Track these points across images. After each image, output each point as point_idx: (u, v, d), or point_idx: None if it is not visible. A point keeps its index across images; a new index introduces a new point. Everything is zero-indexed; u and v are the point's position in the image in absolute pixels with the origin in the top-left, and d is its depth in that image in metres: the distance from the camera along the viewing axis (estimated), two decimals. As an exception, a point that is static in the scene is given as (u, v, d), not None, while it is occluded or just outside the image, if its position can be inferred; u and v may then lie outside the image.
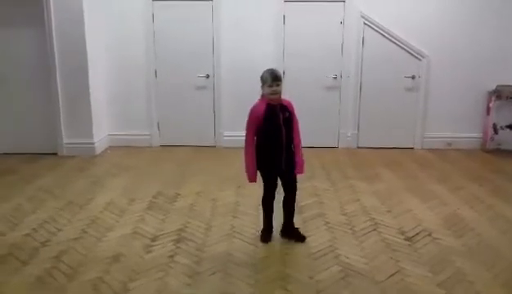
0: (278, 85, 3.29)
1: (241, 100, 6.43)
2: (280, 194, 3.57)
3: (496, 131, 6.40)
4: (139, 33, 6.38)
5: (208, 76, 6.48)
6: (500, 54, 6.32)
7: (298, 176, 3.51)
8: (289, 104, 3.44)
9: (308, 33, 6.30)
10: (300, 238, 3.58)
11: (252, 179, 3.45)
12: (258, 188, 4.50)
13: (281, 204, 3.58)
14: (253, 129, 3.38)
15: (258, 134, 3.39)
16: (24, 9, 5.81)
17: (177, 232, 3.73)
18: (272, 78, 3.28)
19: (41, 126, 6.13)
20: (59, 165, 5.68)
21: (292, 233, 3.60)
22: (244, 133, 3.41)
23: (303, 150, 3.51)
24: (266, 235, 3.60)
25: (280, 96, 3.35)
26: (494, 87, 6.30)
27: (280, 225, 3.64)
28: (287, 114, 3.37)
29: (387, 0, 6.22)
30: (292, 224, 3.62)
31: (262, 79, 3.33)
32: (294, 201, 3.58)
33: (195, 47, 6.40)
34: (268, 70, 3.34)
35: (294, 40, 6.31)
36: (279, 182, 3.51)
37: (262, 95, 3.37)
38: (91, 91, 6.02)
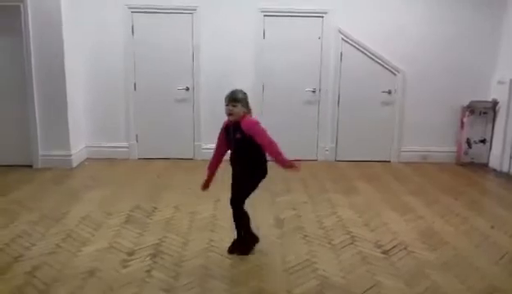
0: (234, 106, 3.29)
1: (220, 113, 6.43)
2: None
3: (469, 145, 6.54)
4: (118, 44, 6.34)
5: (187, 89, 6.47)
6: (473, 70, 6.49)
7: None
8: (246, 125, 3.29)
9: (288, 47, 6.36)
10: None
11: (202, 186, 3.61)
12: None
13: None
14: (218, 140, 3.53)
15: None
16: (0, 18, 5.73)
17: (154, 246, 3.69)
18: (228, 99, 3.32)
19: (16, 137, 6.00)
20: (34, 177, 5.58)
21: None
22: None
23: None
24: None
25: (237, 117, 3.30)
26: (468, 103, 6.45)
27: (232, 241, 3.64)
28: (238, 136, 3.31)
29: (364, 16, 6.34)
30: (240, 239, 3.58)
31: None
32: (237, 216, 3.48)
33: (175, 60, 6.40)
34: (231, 90, 3.37)
35: (273, 54, 6.36)
36: (253, 195, 3.48)
37: None
38: (68, 102, 5.94)
